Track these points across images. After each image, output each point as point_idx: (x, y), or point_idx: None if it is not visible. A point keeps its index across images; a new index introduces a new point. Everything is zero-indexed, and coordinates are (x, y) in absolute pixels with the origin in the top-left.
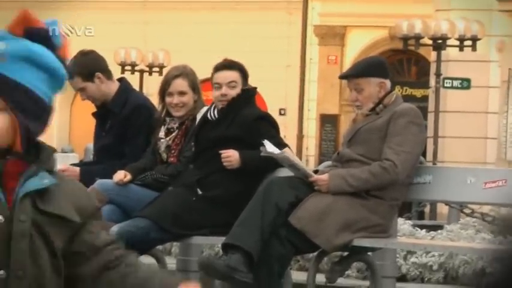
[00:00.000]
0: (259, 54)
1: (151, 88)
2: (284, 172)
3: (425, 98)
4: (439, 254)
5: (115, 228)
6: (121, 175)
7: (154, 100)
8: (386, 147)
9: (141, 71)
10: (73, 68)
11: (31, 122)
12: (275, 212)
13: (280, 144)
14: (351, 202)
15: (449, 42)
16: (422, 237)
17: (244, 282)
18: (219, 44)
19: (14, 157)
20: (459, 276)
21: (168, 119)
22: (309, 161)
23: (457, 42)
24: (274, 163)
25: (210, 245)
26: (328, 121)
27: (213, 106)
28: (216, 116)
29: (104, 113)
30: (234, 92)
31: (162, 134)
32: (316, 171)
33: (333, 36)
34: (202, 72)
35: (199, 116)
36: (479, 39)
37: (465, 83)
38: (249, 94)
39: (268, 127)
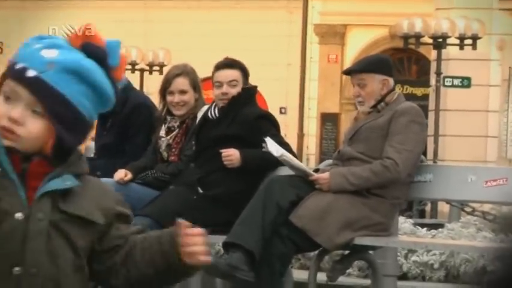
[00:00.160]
0: (259, 53)
1: (151, 87)
2: (285, 171)
3: (425, 97)
4: (440, 253)
5: None
6: (122, 174)
7: (155, 99)
8: (388, 145)
9: (142, 70)
10: None
11: (67, 133)
12: (276, 211)
13: (281, 143)
14: (352, 201)
15: (449, 40)
16: (423, 236)
17: (246, 280)
18: (219, 42)
19: (39, 157)
20: (460, 275)
21: (168, 118)
22: (309, 160)
23: (458, 41)
24: (275, 162)
25: (211, 243)
26: (328, 120)
27: (214, 105)
28: (217, 114)
29: (105, 111)
30: (234, 91)
31: (162, 132)
32: (316, 170)
33: (333, 35)
34: (203, 71)
35: (200, 115)
36: (479, 38)
37: (465, 82)
38: (249, 93)
39: (268, 126)
